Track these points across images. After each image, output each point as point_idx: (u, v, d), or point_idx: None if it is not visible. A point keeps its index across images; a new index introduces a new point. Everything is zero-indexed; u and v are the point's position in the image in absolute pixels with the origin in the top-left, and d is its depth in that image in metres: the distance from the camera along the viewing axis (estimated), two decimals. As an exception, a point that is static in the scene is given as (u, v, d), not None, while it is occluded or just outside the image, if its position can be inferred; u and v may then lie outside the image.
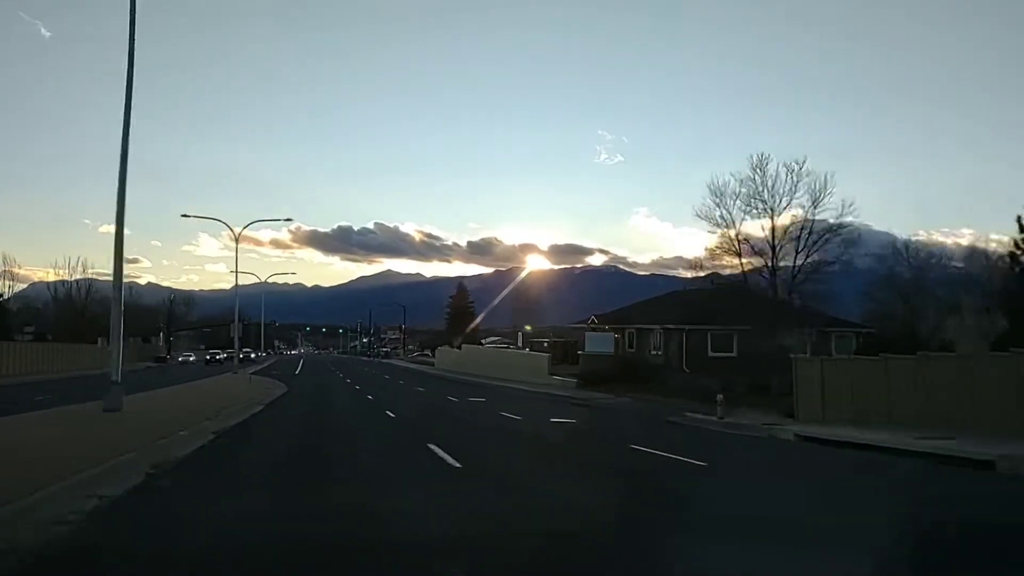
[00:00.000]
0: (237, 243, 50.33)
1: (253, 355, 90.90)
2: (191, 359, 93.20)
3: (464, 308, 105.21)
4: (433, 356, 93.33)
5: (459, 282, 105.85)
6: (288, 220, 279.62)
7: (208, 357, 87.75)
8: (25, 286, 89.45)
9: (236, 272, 52.31)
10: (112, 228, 19.14)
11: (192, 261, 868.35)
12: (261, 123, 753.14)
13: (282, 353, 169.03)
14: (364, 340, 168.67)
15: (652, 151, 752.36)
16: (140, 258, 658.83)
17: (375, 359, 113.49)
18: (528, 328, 79.70)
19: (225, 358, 75.21)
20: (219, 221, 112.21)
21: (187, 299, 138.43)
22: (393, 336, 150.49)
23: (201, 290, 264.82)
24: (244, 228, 54.82)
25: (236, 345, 54.64)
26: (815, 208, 38.76)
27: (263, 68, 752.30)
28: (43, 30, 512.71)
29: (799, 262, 39.14)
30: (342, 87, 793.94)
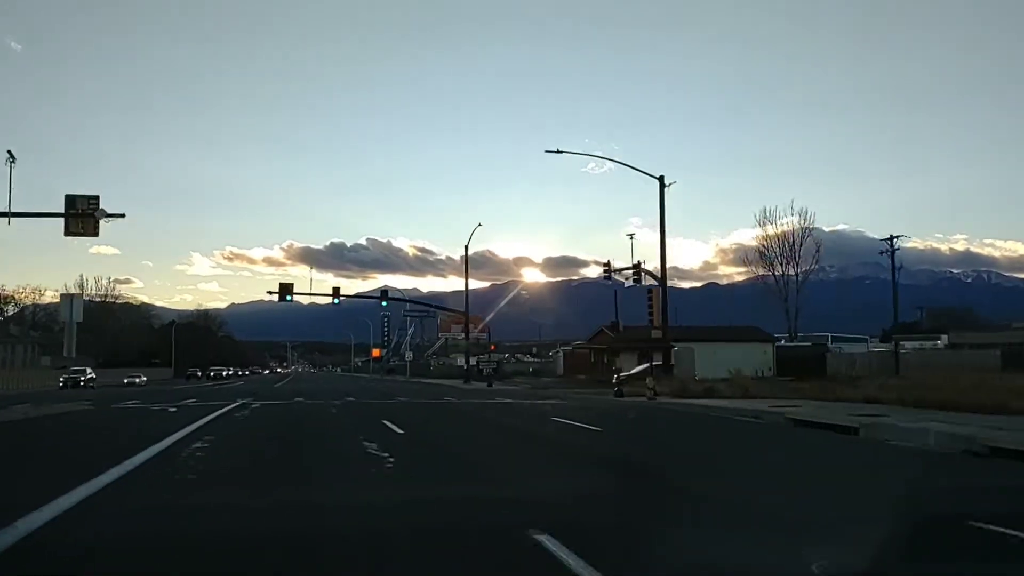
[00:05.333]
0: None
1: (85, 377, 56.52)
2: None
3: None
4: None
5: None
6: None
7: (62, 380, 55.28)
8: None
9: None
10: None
11: (184, 280, 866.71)
12: (252, 141, 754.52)
13: (209, 376, 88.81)
14: (400, 348, 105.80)
15: (641, 161, 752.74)
16: (132, 278, 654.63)
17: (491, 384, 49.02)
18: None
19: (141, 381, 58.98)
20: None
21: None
22: (458, 337, 73.61)
23: (197, 308, 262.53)
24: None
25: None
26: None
27: (253, 88, 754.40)
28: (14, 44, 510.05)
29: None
30: (333, 105, 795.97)
